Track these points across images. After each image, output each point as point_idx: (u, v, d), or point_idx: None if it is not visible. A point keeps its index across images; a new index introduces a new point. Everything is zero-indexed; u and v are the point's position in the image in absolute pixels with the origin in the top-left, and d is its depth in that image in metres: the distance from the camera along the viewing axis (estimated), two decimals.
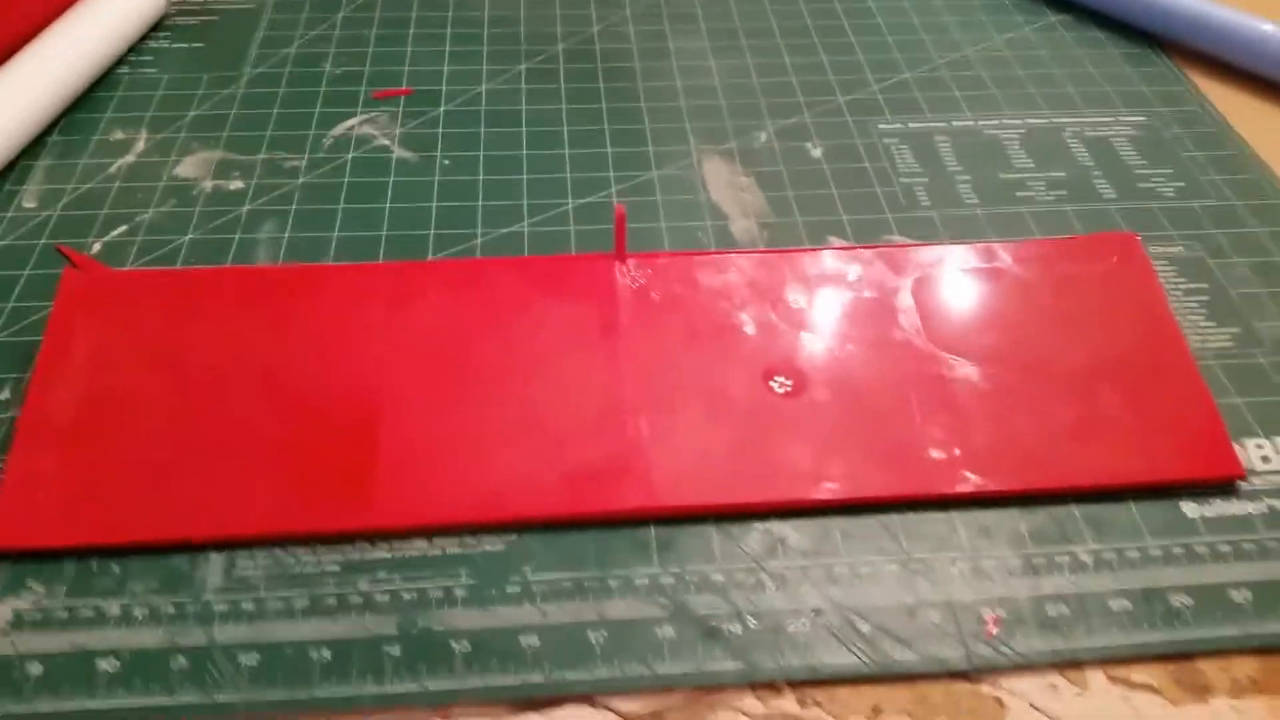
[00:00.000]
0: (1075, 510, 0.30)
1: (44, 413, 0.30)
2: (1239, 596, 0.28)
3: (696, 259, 0.36)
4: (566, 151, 0.42)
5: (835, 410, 0.31)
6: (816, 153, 0.42)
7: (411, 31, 0.48)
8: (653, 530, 0.29)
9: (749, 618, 0.27)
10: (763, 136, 0.43)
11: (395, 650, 0.26)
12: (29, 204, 0.39)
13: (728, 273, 0.35)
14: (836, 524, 0.29)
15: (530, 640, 0.27)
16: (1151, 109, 0.44)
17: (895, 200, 0.40)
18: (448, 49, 0.48)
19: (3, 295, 0.35)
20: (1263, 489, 0.30)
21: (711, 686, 0.26)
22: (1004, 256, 0.36)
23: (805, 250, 0.37)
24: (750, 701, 0.26)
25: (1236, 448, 0.31)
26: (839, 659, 0.27)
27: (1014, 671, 0.27)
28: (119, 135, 0.42)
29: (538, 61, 0.47)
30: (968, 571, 0.28)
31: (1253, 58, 0.45)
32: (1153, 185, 0.40)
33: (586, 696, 0.26)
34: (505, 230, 0.38)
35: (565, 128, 0.43)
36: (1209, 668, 0.27)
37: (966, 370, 0.32)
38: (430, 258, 0.37)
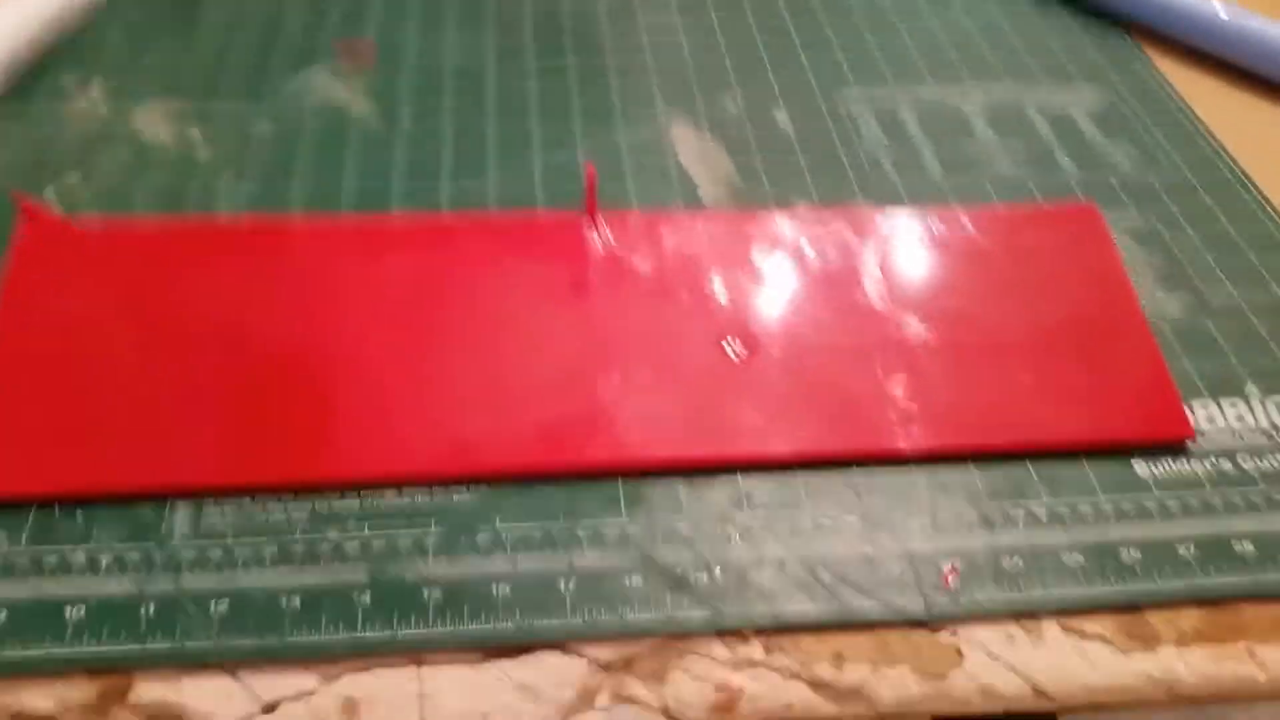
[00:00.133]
0: (1031, 468, 0.31)
1: (3, 363, 0.30)
2: (1185, 552, 0.29)
3: (667, 218, 0.36)
4: (533, 111, 0.42)
5: (796, 368, 0.32)
6: (783, 118, 0.42)
7: None
8: (620, 485, 0.30)
9: (715, 568, 0.28)
10: (730, 104, 0.43)
11: (366, 598, 0.27)
12: None
13: (697, 232, 0.36)
14: (801, 479, 0.30)
15: (503, 589, 0.27)
16: (1111, 84, 0.45)
17: (860, 168, 0.40)
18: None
19: None
20: (1210, 449, 0.31)
21: (680, 634, 0.27)
22: (966, 223, 0.37)
23: (773, 211, 0.37)
24: (718, 648, 0.27)
25: (1186, 410, 0.32)
26: (802, 607, 0.27)
27: (972, 621, 0.27)
28: (71, 81, 0.41)
29: (507, 18, 0.47)
30: (927, 525, 0.29)
31: (1207, 37, 0.46)
32: (1111, 158, 0.41)
33: (558, 643, 0.26)
34: (470, 182, 0.38)
35: (534, 83, 0.43)
36: (1156, 619, 0.28)
37: (927, 332, 0.33)
38: (393, 209, 0.37)
